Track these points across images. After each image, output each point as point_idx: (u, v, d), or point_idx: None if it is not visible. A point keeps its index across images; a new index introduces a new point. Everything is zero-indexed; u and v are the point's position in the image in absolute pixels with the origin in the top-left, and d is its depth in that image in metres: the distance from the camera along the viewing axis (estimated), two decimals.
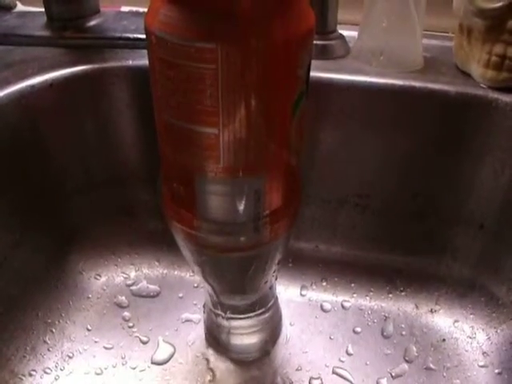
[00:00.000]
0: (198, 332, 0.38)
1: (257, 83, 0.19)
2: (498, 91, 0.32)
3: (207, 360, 0.36)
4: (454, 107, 0.33)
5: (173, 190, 0.24)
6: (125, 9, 0.44)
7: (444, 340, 0.37)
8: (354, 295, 0.40)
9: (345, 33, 0.39)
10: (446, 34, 0.42)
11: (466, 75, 0.34)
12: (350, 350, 0.37)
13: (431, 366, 0.36)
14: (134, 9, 0.44)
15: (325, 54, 0.36)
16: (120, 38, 0.38)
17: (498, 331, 0.36)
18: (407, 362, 0.36)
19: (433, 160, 0.35)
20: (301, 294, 0.41)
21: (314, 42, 0.36)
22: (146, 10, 0.44)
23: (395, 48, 0.35)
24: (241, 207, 0.23)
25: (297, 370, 0.36)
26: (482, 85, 0.33)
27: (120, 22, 0.41)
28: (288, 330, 0.39)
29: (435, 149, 0.35)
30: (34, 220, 0.36)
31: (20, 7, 0.47)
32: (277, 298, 0.36)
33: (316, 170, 0.38)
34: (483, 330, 0.37)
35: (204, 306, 0.37)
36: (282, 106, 0.20)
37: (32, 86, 0.34)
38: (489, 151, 0.33)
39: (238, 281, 0.29)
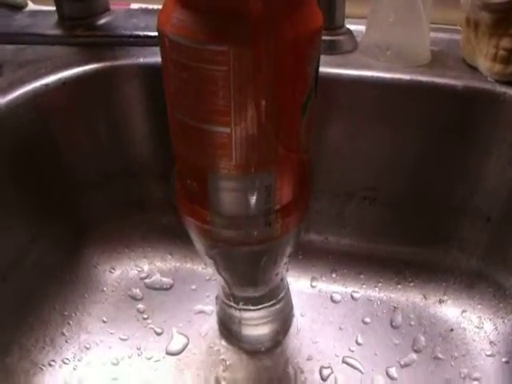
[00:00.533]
0: (210, 323, 0.39)
1: (268, 83, 0.19)
2: (506, 85, 0.32)
3: (220, 350, 0.37)
4: (462, 101, 0.33)
5: (186, 187, 0.25)
6: (134, 6, 0.45)
7: (452, 330, 0.38)
8: (364, 286, 0.41)
9: (352, 27, 0.40)
10: (454, 27, 0.42)
11: (474, 69, 0.35)
12: (360, 340, 0.38)
13: (439, 355, 0.36)
14: (144, 6, 0.45)
15: (333, 49, 0.37)
16: (130, 36, 0.39)
17: (505, 321, 0.37)
18: (416, 351, 0.37)
19: (440, 153, 0.36)
20: (311, 286, 0.42)
21: (322, 37, 0.37)
22: (155, 7, 0.45)
23: (402, 43, 0.35)
24: (252, 202, 0.24)
25: (307, 359, 0.37)
26: (489, 78, 0.33)
27: (130, 19, 0.41)
28: (299, 320, 0.39)
29: (443, 143, 0.35)
30: (49, 216, 0.37)
31: (31, 6, 0.48)
32: (288, 289, 0.37)
33: (324, 164, 0.38)
34: (490, 319, 0.38)
35: (217, 298, 0.38)
36: (292, 105, 0.21)
37: (46, 85, 0.35)
38: (496, 144, 0.34)
39: (249, 273, 0.30)
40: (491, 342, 0.37)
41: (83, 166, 0.38)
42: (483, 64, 0.33)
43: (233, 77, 0.19)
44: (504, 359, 0.35)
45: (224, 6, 0.18)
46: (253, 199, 0.23)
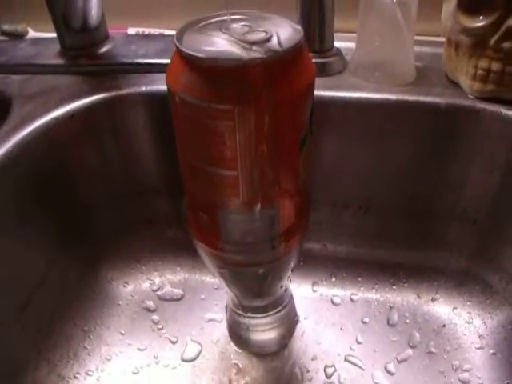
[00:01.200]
0: (221, 330, 0.42)
1: (269, 133, 0.22)
2: (485, 101, 0.35)
3: (231, 355, 0.40)
4: (445, 117, 0.36)
5: (197, 217, 0.28)
6: (131, 31, 0.47)
7: (444, 326, 0.41)
8: (361, 288, 0.44)
9: (341, 44, 0.42)
10: (437, 39, 0.44)
11: (456, 84, 0.37)
12: (360, 339, 0.41)
13: (433, 350, 0.40)
14: (141, 30, 0.47)
15: (324, 71, 0.39)
16: (131, 64, 0.41)
17: (493, 316, 0.40)
18: (411, 347, 0.40)
19: (427, 165, 0.38)
20: (312, 290, 0.45)
21: (314, 60, 0.39)
22: (151, 31, 0.47)
23: (389, 64, 0.37)
24: (258, 231, 0.26)
25: (312, 359, 0.40)
26: (469, 95, 0.36)
27: (129, 46, 0.43)
28: (303, 323, 0.42)
29: (429, 155, 0.38)
30: (66, 238, 0.40)
31: (32, 33, 0.49)
32: (291, 295, 0.40)
33: (321, 178, 0.41)
34: (479, 315, 0.41)
35: (226, 307, 0.41)
36: (291, 148, 0.24)
37: (56, 119, 0.37)
38: (478, 155, 0.36)
39: (256, 288, 0.33)
40: (480, 336, 0.40)
41: (95, 190, 0.41)
42: (464, 82, 0.36)
43: (238, 130, 0.21)
44: (492, 351, 0.39)
45: (229, 72, 0.20)
46: (259, 228, 0.26)
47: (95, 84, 0.40)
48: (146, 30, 0.47)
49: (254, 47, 0.21)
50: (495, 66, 0.33)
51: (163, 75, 0.23)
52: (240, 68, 0.20)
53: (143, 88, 0.39)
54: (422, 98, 0.36)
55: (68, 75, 0.42)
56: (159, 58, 0.41)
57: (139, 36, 0.46)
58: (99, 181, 0.41)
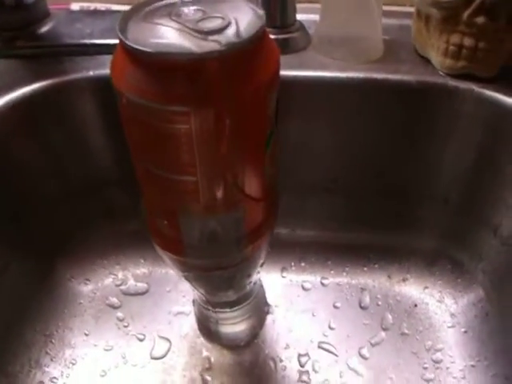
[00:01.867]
0: (190, 323, 0.41)
1: (230, 136, 0.20)
2: (457, 79, 0.33)
3: (202, 349, 0.39)
4: (416, 95, 0.34)
5: (157, 222, 0.25)
6: (75, 6, 0.42)
7: (416, 305, 0.41)
8: (332, 272, 0.43)
9: (303, 17, 0.39)
10: (404, 10, 0.42)
11: (425, 60, 0.35)
12: (332, 325, 0.40)
13: (406, 331, 0.40)
14: (85, 6, 0.42)
15: (286, 47, 0.36)
16: (77, 45, 0.37)
17: (464, 294, 0.40)
18: (384, 329, 0.40)
19: (397, 145, 0.37)
20: (282, 276, 0.44)
21: (275, 36, 0.36)
22: (97, 5, 0.43)
23: (355, 39, 0.35)
24: (223, 235, 0.24)
25: (285, 348, 0.39)
26: (440, 72, 0.34)
27: (73, 24, 0.39)
28: (273, 311, 0.41)
29: (399, 135, 0.37)
30: (18, 238, 0.37)
31: None
32: (261, 284, 0.39)
33: (286, 161, 0.38)
34: (450, 294, 0.41)
35: (193, 301, 0.40)
36: (255, 147, 0.22)
37: None
38: (450, 134, 0.35)
39: (224, 287, 0.31)
40: (452, 315, 0.40)
41: (45, 185, 0.38)
42: (435, 58, 0.34)
43: (195, 134, 0.19)
44: (463, 329, 0.39)
45: (181, 69, 0.18)
46: (223, 232, 0.24)
47: (36, 69, 0.36)
48: (92, 6, 0.42)
49: (209, 37, 0.18)
50: (468, 41, 0.31)
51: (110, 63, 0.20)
52: (194, 63, 0.18)
53: (91, 72, 0.36)
54: (390, 76, 0.34)
55: (3, 60, 0.37)
56: (107, 37, 0.37)
57: (84, 12, 0.42)
58: (48, 175, 0.37)
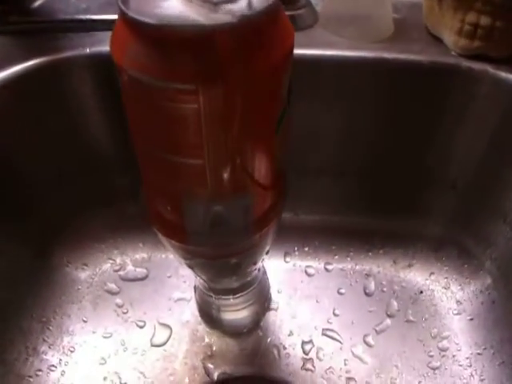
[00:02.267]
0: (191, 309, 0.40)
1: (240, 115, 0.18)
2: (471, 59, 0.32)
3: (204, 336, 0.38)
4: (428, 76, 0.33)
5: (159, 208, 0.24)
6: None
7: (421, 292, 0.40)
8: (336, 257, 0.42)
9: None
10: None
11: (438, 40, 0.34)
12: (337, 311, 0.39)
13: (411, 318, 0.39)
14: None
15: (293, 24, 0.34)
16: (72, 21, 0.35)
17: (470, 281, 0.39)
18: (389, 316, 0.39)
19: (407, 128, 0.36)
20: (285, 261, 0.43)
21: None
22: None
23: (365, 17, 0.34)
24: (230, 221, 0.23)
25: (289, 335, 0.38)
26: (453, 53, 0.32)
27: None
28: (276, 297, 0.41)
29: (409, 117, 0.35)
30: (11, 223, 0.36)
31: None
32: (264, 270, 0.38)
33: (292, 143, 0.37)
34: (456, 280, 0.40)
35: (195, 287, 0.39)
36: (266, 129, 0.20)
37: None
38: (463, 117, 0.34)
39: (228, 274, 0.30)
40: (458, 301, 0.39)
41: (41, 167, 0.36)
42: (448, 38, 0.32)
43: (204, 113, 0.18)
44: (469, 317, 0.38)
45: (188, 42, 0.16)
46: (230, 219, 0.23)
47: (29, 46, 0.34)
48: None
49: (219, 8, 0.17)
50: (484, 20, 0.30)
51: (110, 33, 0.19)
52: (203, 37, 0.16)
53: (87, 49, 0.34)
54: (401, 56, 0.33)
55: None
56: (105, 12, 0.35)
57: None
58: (43, 157, 0.36)
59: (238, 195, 0.22)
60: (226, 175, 0.20)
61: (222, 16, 0.16)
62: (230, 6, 0.17)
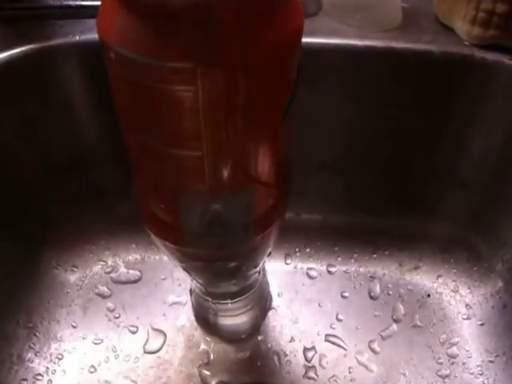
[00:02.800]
0: (186, 314, 0.38)
1: (244, 100, 0.16)
2: (485, 49, 0.30)
3: (200, 342, 0.36)
4: (439, 68, 0.31)
5: (152, 206, 0.22)
6: None
7: (429, 295, 0.38)
8: (339, 259, 0.40)
9: None
10: None
11: (449, 30, 0.32)
12: (340, 316, 0.37)
13: (418, 323, 0.37)
14: None
15: None
16: (61, 7, 0.33)
17: (480, 284, 0.38)
18: (395, 321, 0.37)
19: (416, 122, 0.34)
20: (286, 263, 0.41)
21: None
22: None
23: (372, 5, 0.32)
24: (230, 221, 0.21)
25: (290, 341, 0.36)
26: (466, 42, 0.31)
27: None
28: (277, 300, 0.39)
29: (418, 110, 0.33)
30: None
31: None
32: (264, 271, 0.36)
33: (293, 138, 0.36)
34: (465, 283, 0.38)
35: (190, 290, 0.37)
36: (272, 117, 0.18)
37: None
38: (476, 111, 0.32)
39: (226, 278, 0.28)
40: (467, 305, 0.37)
41: (25, 162, 0.34)
42: (461, 27, 0.31)
43: (202, 97, 0.16)
44: (479, 322, 0.36)
45: (186, 15, 0.14)
46: (230, 217, 0.21)
47: (15, 33, 0.32)
48: None
49: None
50: (501, 7, 0.28)
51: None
52: (202, 8, 0.14)
53: (77, 37, 0.32)
54: (411, 46, 0.31)
55: None
56: None
57: None
58: (29, 152, 0.34)
59: (239, 192, 0.20)
60: (226, 169, 0.18)
61: None
62: None
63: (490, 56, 0.30)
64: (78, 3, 0.33)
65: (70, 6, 0.33)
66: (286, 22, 0.16)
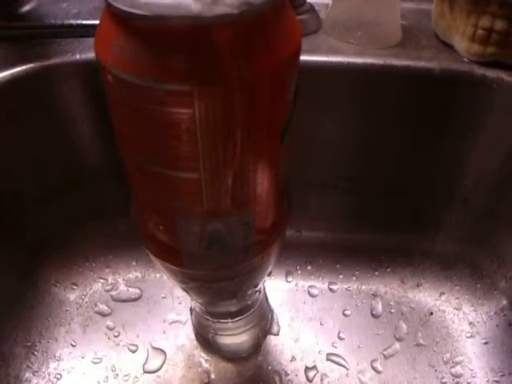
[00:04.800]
0: (186, 332, 0.37)
1: (241, 122, 0.16)
2: (484, 66, 0.30)
3: (201, 361, 0.36)
4: (439, 85, 0.31)
5: (150, 227, 0.22)
6: None
7: (431, 313, 0.38)
8: (340, 277, 0.40)
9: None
10: None
11: (448, 47, 0.32)
12: (342, 334, 0.37)
13: (421, 341, 0.36)
14: None
15: None
16: (62, 26, 0.33)
17: (483, 301, 0.37)
18: (398, 340, 0.37)
19: (416, 139, 0.34)
20: (287, 281, 0.40)
21: None
22: None
23: (372, 23, 0.32)
24: (229, 242, 0.21)
25: (291, 360, 0.36)
26: (465, 59, 0.31)
27: (58, 4, 0.35)
28: (277, 319, 0.38)
29: (419, 128, 0.33)
30: None
31: None
32: (264, 290, 0.35)
33: (295, 155, 0.35)
34: (468, 300, 0.38)
35: (191, 309, 0.36)
36: (270, 138, 0.18)
37: None
38: (476, 128, 0.32)
39: (226, 298, 0.28)
40: (470, 323, 0.37)
41: (25, 180, 0.34)
42: (460, 43, 0.31)
43: (199, 119, 0.16)
44: (483, 340, 0.36)
45: (184, 37, 0.14)
46: (229, 239, 0.21)
47: (16, 52, 0.32)
48: None
49: None
50: (499, 24, 0.28)
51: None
52: (199, 30, 0.14)
53: (77, 56, 0.32)
54: (412, 63, 0.31)
55: None
56: (96, 18, 0.34)
57: None
58: (29, 170, 0.34)
59: (238, 213, 0.20)
60: (224, 191, 0.18)
61: (222, 7, 0.14)
62: None
63: (490, 73, 0.30)
64: (78, 22, 0.33)
65: (70, 25, 0.33)
66: (284, 42, 0.16)
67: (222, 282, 0.24)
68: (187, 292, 0.27)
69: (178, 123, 0.16)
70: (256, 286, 0.27)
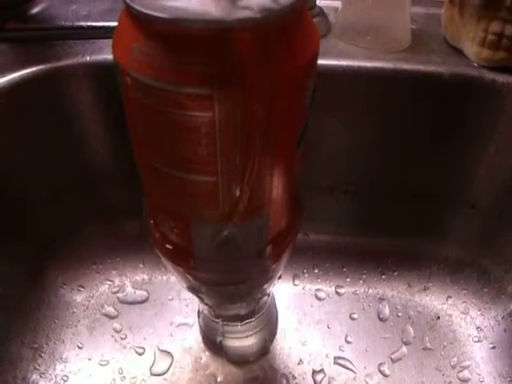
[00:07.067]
0: (194, 335, 0.37)
1: (261, 126, 0.16)
2: (494, 71, 0.30)
3: (208, 364, 0.36)
4: (448, 89, 0.31)
5: (163, 229, 0.22)
6: None
7: (439, 317, 0.38)
8: (348, 280, 0.40)
9: (321, 3, 0.36)
10: None
11: (458, 51, 0.32)
12: (349, 338, 0.37)
13: (428, 345, 0.36)
14: None
15: None
16: (72, 28, 0.34)
17: (491, 306, 0.37)
18: (405, 344, 0.36)
19: (425, 143, 0.34)
20: (294, 284, 0.40)
21: None
22: None
23: (382, 27, 0.32)
24: (243, 245, 0.21)
25: (298, 363, 0.36)
26: (475, 64, 0.31)
27: (68, 6, 0.36)
28: (285, 322, 0.38)
29: (427, 132, 0.33)
30: (3, 242, 0.33)
31: None
32: (272, 293, 0.35)
33: None
34: (476, 305, 0.38)
35: (198, 312, 0.36)
36: (287, 144, 0.18)
37: None
38: (485, 134, 0.32)
39: (236, 301, 0.28)
40: (478, 328, 0.37)
41: (34, 180, 0.34)
42: (470, 48, 0.31)
43: (219, 123, 0.16)
44: (491, 345, 0.36)
45: (204, 40, 0.14)
46: (243, 242, 0.21)
47: (26, 54, 0.32)
48: None
49: (239, 2, 0.15)
50: (510, 29, 0.28)
51: (111, 41, 0.17)
52: (220, 34, 0.14)
53: (87, 57, 0.32)
54: (421, 67, 0.31)
55: None
56: (107, 19, 0.34)
57: None
58: (37, 170, 0.34)
59: (253, 217, 0.20)
60: (240, 195, 0.18)
61: (243, 11, 0.14)
62: (251, 0, 0.15)
63: (500, 78, 0.30)
64: (89, 24, 0.34)
65: (80, 27, 0.33)
66: (304, 45, 0.16)
67: (234, 285, 0.24)
68: (196, 295, 0.27)
69: (197, 127, 0.16)
70: (266, 289, 0.27)
